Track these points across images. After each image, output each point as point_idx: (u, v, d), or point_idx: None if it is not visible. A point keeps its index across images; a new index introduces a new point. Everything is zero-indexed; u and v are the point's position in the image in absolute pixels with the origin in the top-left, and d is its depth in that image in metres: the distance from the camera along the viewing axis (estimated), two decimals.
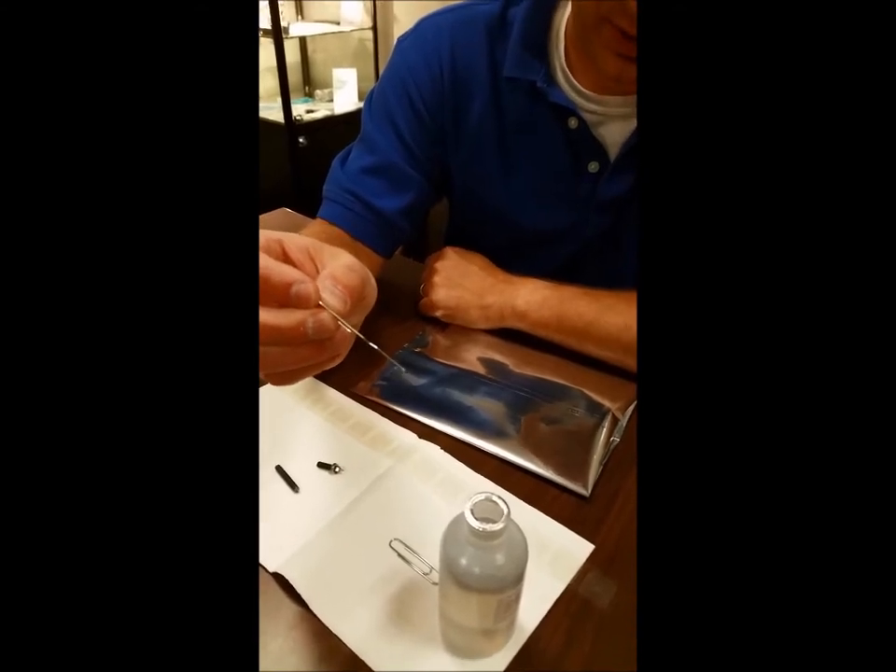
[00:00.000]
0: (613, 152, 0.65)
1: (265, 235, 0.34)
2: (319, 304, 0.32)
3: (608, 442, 0.53)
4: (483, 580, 0.34)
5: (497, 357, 0.65)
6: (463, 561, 0.34)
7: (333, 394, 0.59)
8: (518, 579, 0.34)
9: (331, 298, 0.32)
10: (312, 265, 0.35)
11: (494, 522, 0.33)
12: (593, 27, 0.55)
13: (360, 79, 2.55)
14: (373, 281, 0.37)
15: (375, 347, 0.36)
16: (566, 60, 0.63)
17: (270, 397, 0.58)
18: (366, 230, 0.67)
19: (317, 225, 0.68)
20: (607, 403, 0.58)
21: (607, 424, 0.55)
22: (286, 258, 0.34)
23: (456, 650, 0.39)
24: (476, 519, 0.33)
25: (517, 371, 0.62)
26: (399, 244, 0.74)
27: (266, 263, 0.31)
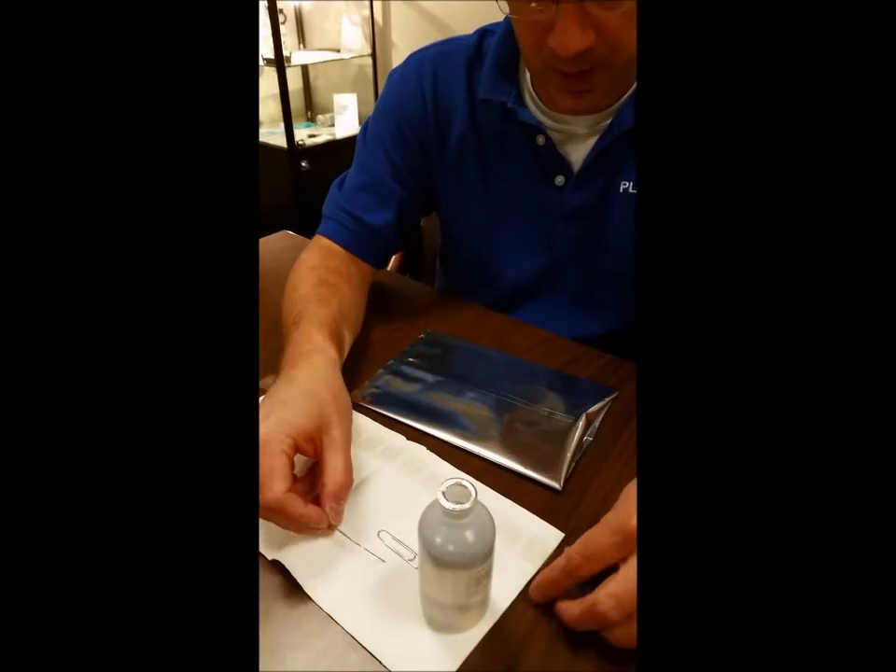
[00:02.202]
0: (576, 167, 0.71)
1: (276, 438, 0.47)
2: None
3: (581, 442, 0.58)
4: (455, 556, 0.38)
5: (483, 365, 0.69)
6: (438, 540, 0.38)
7: None
8: (487, 554, 0.39)
9: (334, 518, 0.48)
10: (313, 449, 0.50)
11: (463, 503, 0.37)
12: (540, 74, 0.62)
13: (360, 104, 2.63)
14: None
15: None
16: (532, 84, 0.71)
17: None
18: (358, 243, 0.76)
19: (318, 241, 0.77)
20: (582, 406, 0.62)
21: (581, 425, 0.59)
22: (295, 452, 0.49)
23: (435, 624, 0.43)
24: (448, 501, 0.37)
25: (500, 378, 0.67)
26: (390, 253, 0.82)
27: (294, 508, 0.46)
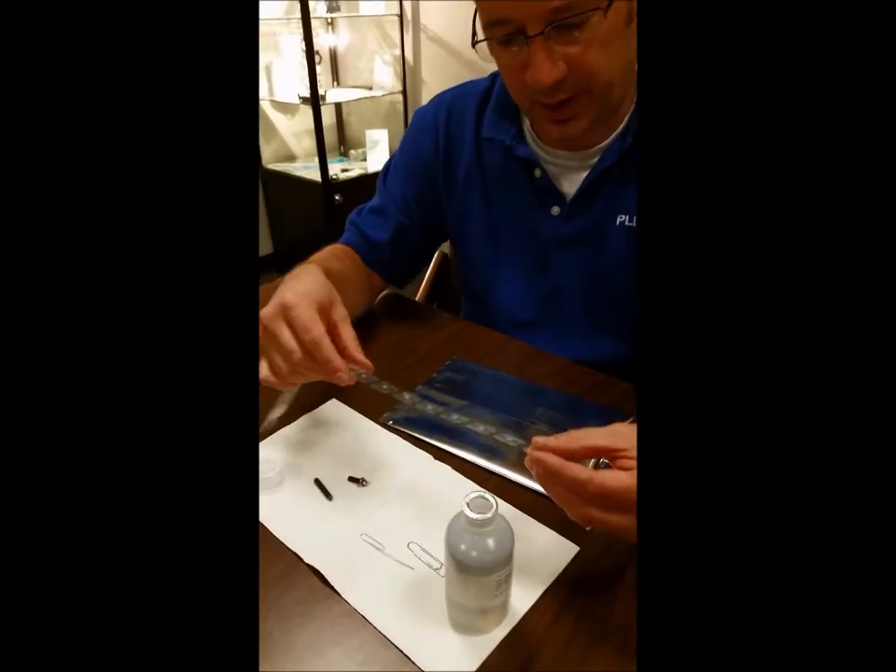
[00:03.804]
0: (570, 199, 0.78)
1: (306, 301, 0.57)
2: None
3: (598, 462, 0.62)
4: (478, 561, 0.42)
5: (505, 391, 0.74)
6: (462, 546, 0.43)
7: (363, 421, 0.69)
8: (507, 560, 0.43)
9: (364, 367, 0.59)
10: (325, 320, 0.58)
11: (486, 513, 0.42)
12: (529, 110, 0.72)
13: (392, 139, 2.72)
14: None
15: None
16: (530, 122, 0.79)
17: (310, 423, 0.68)
18: (361, 247, 0.90)
19: (337, 245, 0.91)
20: None
21: None
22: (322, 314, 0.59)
23: (459, 626, 0.47)
24: (472, 511, 0.42)
25: (521, 402, 0.71)
26: (390, 266, 0.92)
27: (329, 347, 0.55)
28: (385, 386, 0.60)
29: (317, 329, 0.55)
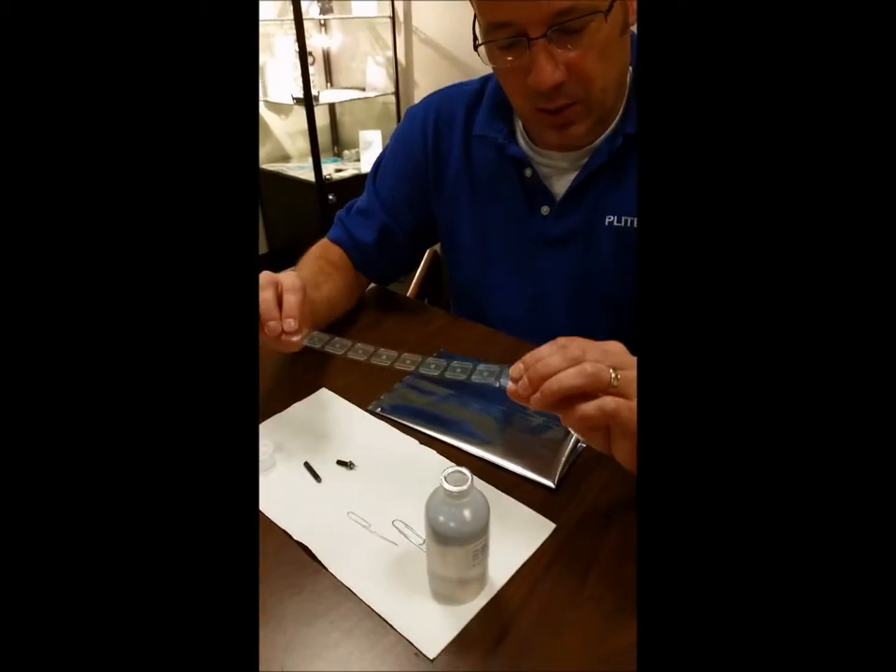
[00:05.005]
0: (559, 199, 0.80)
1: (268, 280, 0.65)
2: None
3: (575, 447, 0.64)
4: (455, 531, 0.45)
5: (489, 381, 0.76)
6: (441, 518, 0.45)
7: (351, 409, 0.71)
8: (483, 531, 0.46)
9: (288, 328, 0.63)
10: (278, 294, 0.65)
11: (462, 486, 0.44)
12: (530, 118, 0.74)
13: (385, 140, 2.74)
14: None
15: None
16: (529, 129, 0.80)
17: (300, 411, 0.71)
18: (349, 248, 0.93)
19: (324, 241, 0.95)
20: None
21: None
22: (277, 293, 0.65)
23: (440, 597, 0.49)
24: (449, 484, 0.44)
25: (504, 391, 0.74)
26: (374, 266, 0.95)
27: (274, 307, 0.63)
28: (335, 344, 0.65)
29: (268, 292, 0.63)
